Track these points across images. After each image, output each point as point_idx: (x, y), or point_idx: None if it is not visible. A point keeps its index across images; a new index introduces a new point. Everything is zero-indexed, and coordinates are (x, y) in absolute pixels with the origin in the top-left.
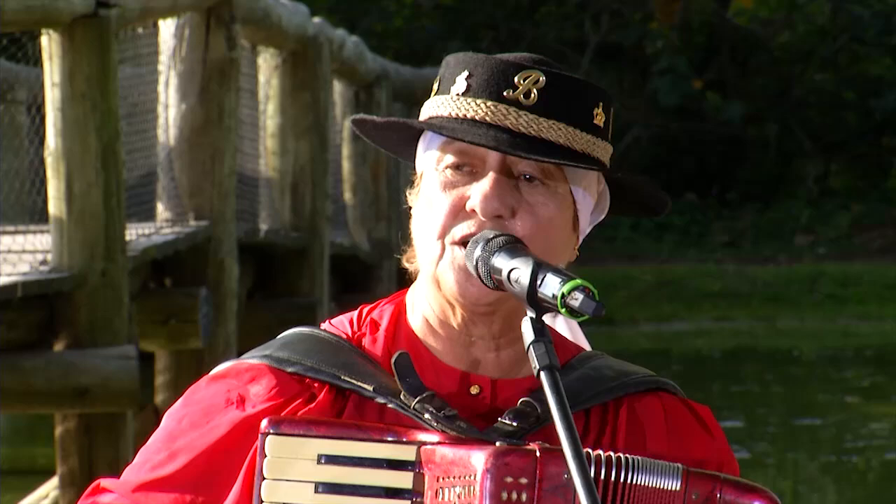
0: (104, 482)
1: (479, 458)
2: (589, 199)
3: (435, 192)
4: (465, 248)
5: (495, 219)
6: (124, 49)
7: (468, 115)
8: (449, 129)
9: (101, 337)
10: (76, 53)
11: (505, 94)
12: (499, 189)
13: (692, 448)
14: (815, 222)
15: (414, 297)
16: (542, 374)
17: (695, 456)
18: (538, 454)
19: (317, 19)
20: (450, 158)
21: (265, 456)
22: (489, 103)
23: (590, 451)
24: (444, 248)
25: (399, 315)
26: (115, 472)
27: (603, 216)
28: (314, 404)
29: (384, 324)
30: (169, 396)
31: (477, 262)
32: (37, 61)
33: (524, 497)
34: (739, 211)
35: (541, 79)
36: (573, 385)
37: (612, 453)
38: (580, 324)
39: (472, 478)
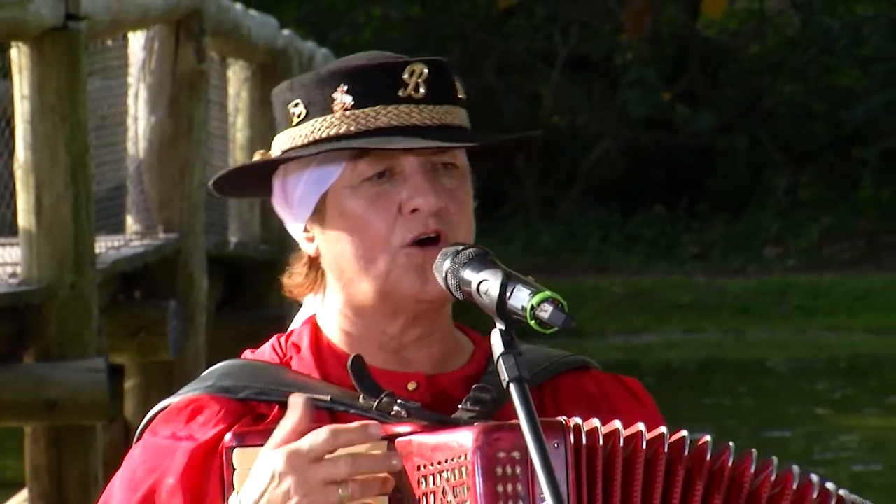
0: None
1: (466, 438)
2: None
3: (362, 208)
4: (421, 247)
5: (438, 212)
6: (94, 61)
7: (371, 126)
8: (377, 142)
9: (71, 350)
10: (45, 66)
11: (400, 93)
12: (432, 183)
13: (629, 418)
14: (785, 234)
15: (326, 319)
16: (512, 386)
17: (630, 425)
18: None
19: (286, 32)
20: (366, 171)
21: (233, 469)
22: (389, 107)
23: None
24: (393, 256)
25: (316, 335)
26: (85, 485)
27: None
28: (267, 422)
29: (305, 344)
30: (138, 409)
31: (446, 275)
32: (6, 74)
33: (518, 471)
34: (709, 223)
35: (424, 70)
36: None
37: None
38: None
39: (463, 458)
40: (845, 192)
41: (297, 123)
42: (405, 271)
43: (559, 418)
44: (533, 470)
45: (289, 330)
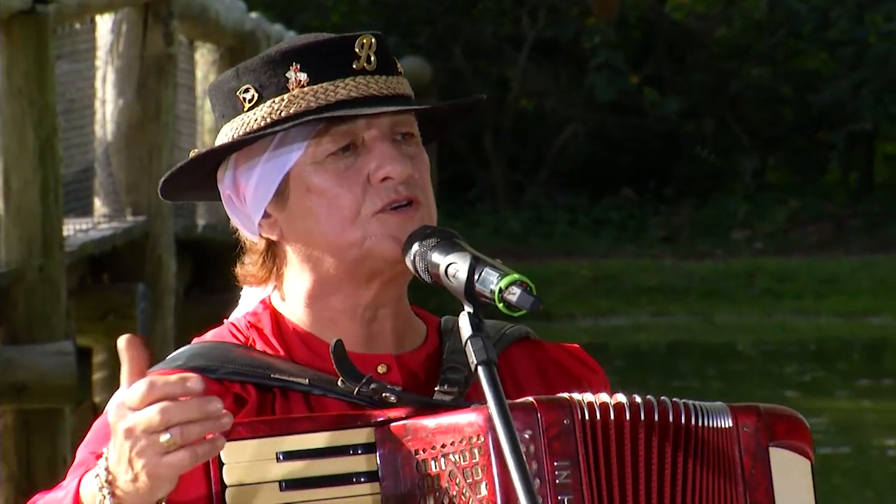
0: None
1: (477, 419)
2: None
3: (329, 182)
4: (393, 212)
5: (407, 179)
6: (62, 45)
7: (332, 100)
8: (348, 109)
9: (39, 332)
10: (13, 49)
11: (354, 65)
12: (399, 151)
13: (589, 386)
14: (752, 217)
15: (289, 303)
16: (480, 368)
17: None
18: (535, 404)
19: (254, 15)
20: (330, 146)
21: (222, 464)
22: (347, 80)
23: (668, 399)
24: (364, 225)
25: (276, 318)
26: (53, 468)
27: None
28: (248, 406)
29: (267, 327)
30: (107, 392)
31: (415, 258)
32: None
33: (532, 449)
34: (676, 206)
35: (373, 41)
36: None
37: (678, 399)
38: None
39: (475, 439)
40: (813, 176)
41: (250, 108)
42: (381, 238)
43: (562, 394)
44: (546, 447)
45: (230, 320)
